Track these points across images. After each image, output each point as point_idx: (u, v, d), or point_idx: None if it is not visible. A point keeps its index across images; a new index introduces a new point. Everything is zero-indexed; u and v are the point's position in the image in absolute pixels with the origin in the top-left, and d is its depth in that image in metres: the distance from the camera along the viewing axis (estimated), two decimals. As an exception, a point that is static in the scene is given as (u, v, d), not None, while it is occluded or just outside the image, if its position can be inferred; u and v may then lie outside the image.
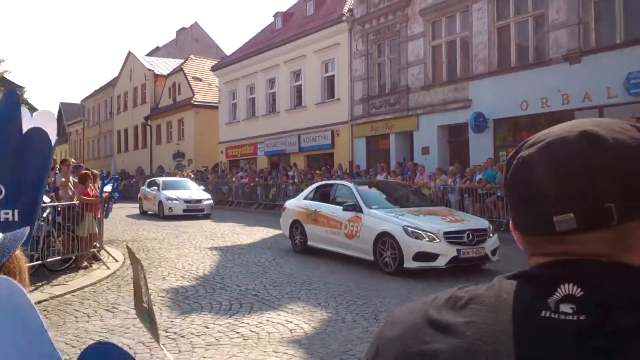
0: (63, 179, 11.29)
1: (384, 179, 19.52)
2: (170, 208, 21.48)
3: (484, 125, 18.29)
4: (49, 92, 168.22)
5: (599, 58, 15.41)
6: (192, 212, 21.68)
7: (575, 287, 0.75)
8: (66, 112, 65.42)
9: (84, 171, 11.61)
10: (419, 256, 9.37)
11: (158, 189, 22.77)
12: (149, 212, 23.21)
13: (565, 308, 0.75)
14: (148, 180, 25.24)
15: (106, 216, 12.59)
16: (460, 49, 19.79)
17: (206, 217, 21.67)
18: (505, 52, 18.27)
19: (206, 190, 25.39)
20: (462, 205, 16.71)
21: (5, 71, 28.55)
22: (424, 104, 20.68)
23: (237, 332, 6.34)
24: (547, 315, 0.75)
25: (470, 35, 19.07)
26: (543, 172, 0.79)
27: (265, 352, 5.68)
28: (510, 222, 0.88)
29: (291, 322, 6.79)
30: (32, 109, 32.84)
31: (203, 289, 8.67)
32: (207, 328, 6.52)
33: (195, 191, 23.30)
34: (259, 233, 16.28)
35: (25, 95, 30.17)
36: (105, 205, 12.15)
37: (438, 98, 20.16)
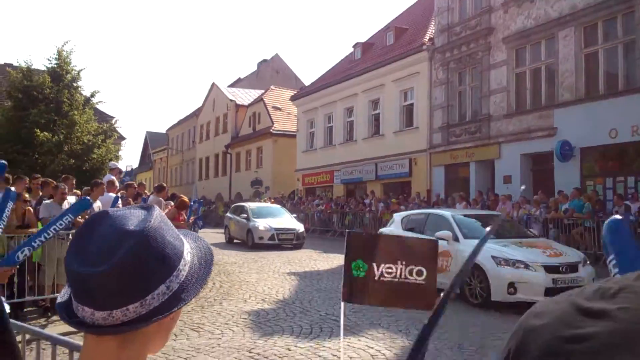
0: (168, 206, 11.80)
1: (463, 207, 19.16)
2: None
3: (570, 154, 17.64)
4: (137, 122, 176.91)
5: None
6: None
7: None
8: (152, 141, 68.46)
9: (184, 199, 12.07)
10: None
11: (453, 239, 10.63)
12: None
13: None
14: (402, 215, 13.54)
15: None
16: (545, 76, 19.27)
17: None
18: (593, 79, 17.64)
19: None
20: (546, 236, 16.10)
21: (100, 102, 30.14)
22: (507, 132, 20.21)
23: (319, 356, 6.34)
24: None
25: (556, 63, 18.55)
26: None
27: (348, 376, 5.63)
28: None
29: (372, 347, 6.72)
30: (121, 138, 34.24)
31: (283, 312, 8.73)
32: (289, 350, 6.55)
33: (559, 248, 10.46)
34: (335, 260, 16.24)
35: (116, 125, 31.61)
36: (192, 229, 12.60)
37: (521, 126, 19.65)
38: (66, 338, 2.71)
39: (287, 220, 20.99)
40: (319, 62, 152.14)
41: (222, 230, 28.78)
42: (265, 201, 32.31)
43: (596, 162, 17.67)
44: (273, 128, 39.86)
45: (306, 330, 7.54)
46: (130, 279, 0.91)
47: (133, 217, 0.97)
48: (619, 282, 0.84)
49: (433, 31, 24.86)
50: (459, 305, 9.40)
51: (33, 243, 6.64)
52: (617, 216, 2.58)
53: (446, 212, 11.74)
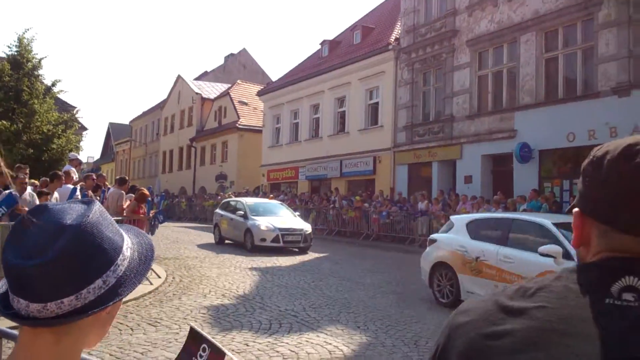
0: (127, 201, 11.62)
1: (425, 207, 19.46)
2: None
3: (529, 155, 18.07)
4: (99, 113, 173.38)
5: (650, 91, 15.13)
6: None
7: (637, 279, 0.84)
8: (114, 132, 67.33)
9: (143, 191, 11.93)
10: None
11: None
12: None
13: (628, 296, 0.84)
14: (468, 218, 10.51)
15: (152, 233, 12.89)
16: (506, 79, 19.68)
17: None
18: (553, 83, 18.09)
19: None
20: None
21: (61, 91, 29.44)
22: (469, 133, 20.58)
23: (277, 351, 6.39)
24: (611, 302, 0.84)
25: (518, 66, 18.96)
26: None
27: (304, 371, 5.71)
28: (579, 213, 0.96)
29: (330, 343, 6.80)
30: (83, 129, 33.45)
31: (243, 307, 8.75)
32: (247, 346, 6.59)
33: None
34: (298, 256, 16.35)
35: (77, 115, 30.93)
36: (152, 223, 12.47)
37: (483, 127, 20.04)
38: (14, 331, 2.59)
39: (291, 219, 18.51)
40: (286, 58, 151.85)
41: (188, 225, 28.00)
42: (229, 196, 32.21)
43: (554, 164, 18.14)
44: (239, 123, 39.64)
45: (265, 326, 7.58)
46: (66, 272, 0.92)
47: (72, 211, 0.97)
48: (539, 282, 0.92)
49: (399, 31, 25.11)
50: (413, 300, 9.60)
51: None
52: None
53: (542, 220, 8.80)
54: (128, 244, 1.03)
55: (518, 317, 0.86)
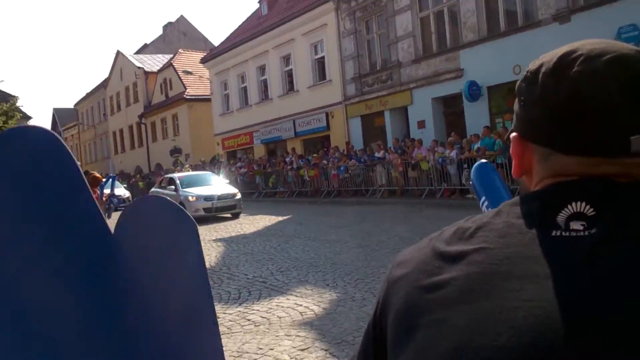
0: None
1: (382, 156, 19.53)
2: None
3: (478, 93, 18.19)
4: (42, 99, 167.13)
5: (588, 15, 15.25)
6: None
7: (585, 205, 0.74)
8: (60, 118, 65.26)
9: (95, 175, 11.64)
10: None
11: None
12: None
13: (576, 225, 0.73)
14: None
15: (108, 216, 12.63)
16: (448, 18, 19.60)
17: None
18: (494, 17, 18.08)
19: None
20: (460, 176, 16.67)
21: (-1, 81, 28.40)
22: (417, 77, 20.55)
23: (248, 320, 6.35)
24: (558, 234, 0.74)
25: (458, 4, 18.87)
26: (621, 87, 0.74)
27: (277, 336, 5.69)
28: (517, 138, 0.85)
29: (300, 305, 6.79)
30: (27, 117, 32.51)
31: (211, 280, 8.54)
32: (218, 318, 6.51)
33: None
34: (262, 221, 16.28)
35: (19, 104, 29.91)
36: (107, 206, 12.21)
37: (430, 70, 20.03)
38: None
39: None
40: (227, 22, 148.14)
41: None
42: (187, 169, 31.61)
43: (503, 99, 18.25)
44: (186, 93, 38.78)
45: (234, 296, 7.53)
46: None
47: None
48: (477, 220, 0.82)
49: (337, -19, 24.61)
50: (381, 251, 9.65)
51: None
52: (483, 160, 2.66)
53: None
54: None
55: (457, 264, 0.76)
